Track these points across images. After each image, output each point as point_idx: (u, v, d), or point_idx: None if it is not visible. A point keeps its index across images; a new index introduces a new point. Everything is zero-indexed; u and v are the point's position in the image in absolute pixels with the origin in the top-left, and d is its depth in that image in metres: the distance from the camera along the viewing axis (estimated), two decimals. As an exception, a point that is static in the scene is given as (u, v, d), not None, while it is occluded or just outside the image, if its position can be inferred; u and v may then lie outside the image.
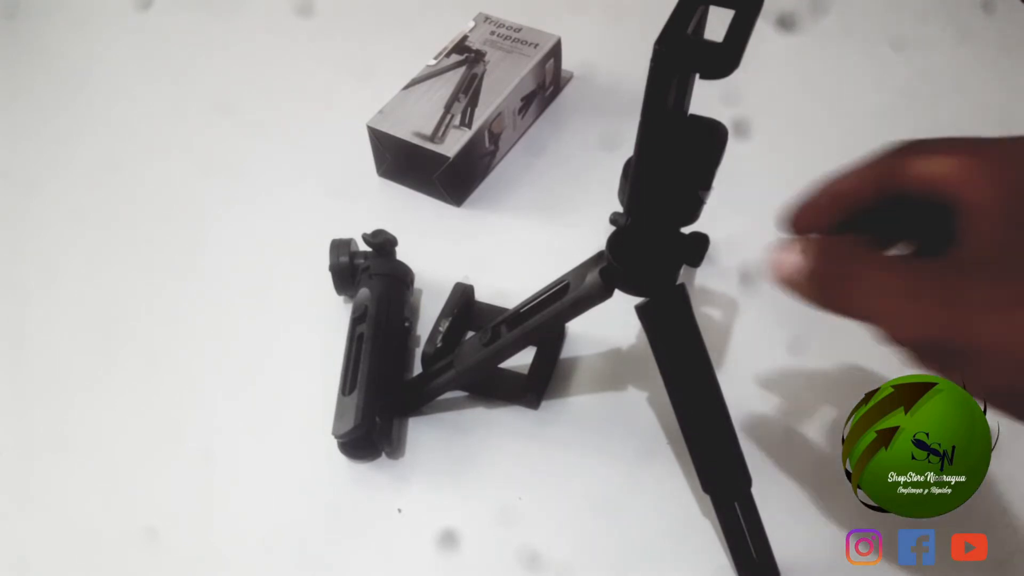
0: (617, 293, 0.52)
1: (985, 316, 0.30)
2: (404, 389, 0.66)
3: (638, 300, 0.52)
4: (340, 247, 0.69)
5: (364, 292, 0.66)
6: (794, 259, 0.34)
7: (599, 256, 0.53)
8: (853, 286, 0.32)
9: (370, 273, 0.67)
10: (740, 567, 0.55)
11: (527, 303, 0.58)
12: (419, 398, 0.65)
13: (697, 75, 0.39)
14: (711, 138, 0.45)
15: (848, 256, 0.33)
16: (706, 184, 0.45)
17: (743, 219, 0.71)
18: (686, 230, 0.49)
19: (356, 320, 0.66)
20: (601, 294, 0.52)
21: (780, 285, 0.34)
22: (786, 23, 0.91)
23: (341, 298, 0.72)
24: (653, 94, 0.39)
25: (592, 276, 0.52)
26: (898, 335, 0.31)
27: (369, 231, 0.69)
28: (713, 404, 0.53)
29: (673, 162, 0.43)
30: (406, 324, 0.70)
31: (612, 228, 0.51)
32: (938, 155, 0.34)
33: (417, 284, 0.73)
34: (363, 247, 0.70)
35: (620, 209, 0.49)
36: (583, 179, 0.81)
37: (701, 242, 0.68)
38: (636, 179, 0.45)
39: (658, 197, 0.45)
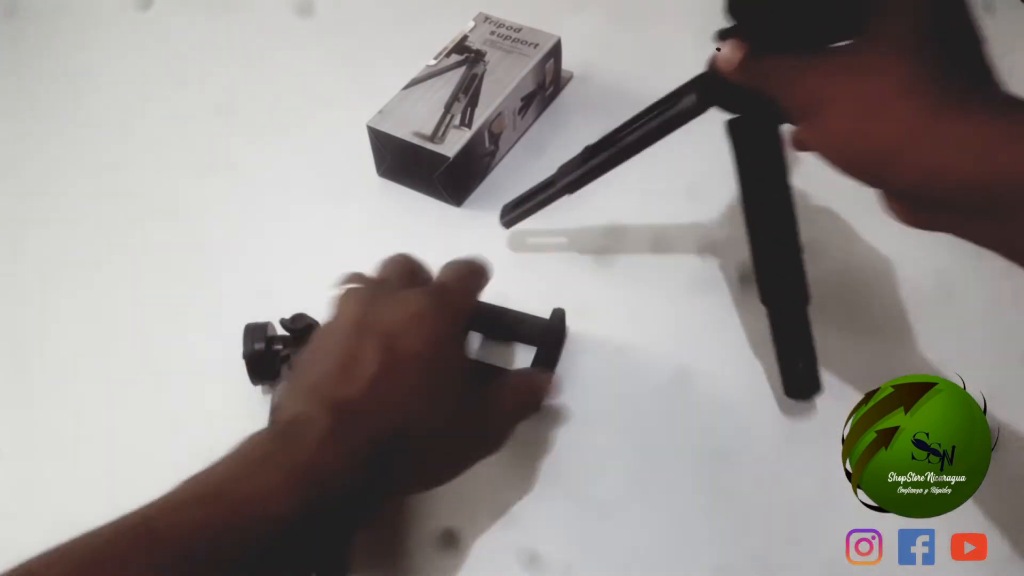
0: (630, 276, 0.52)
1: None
2: (508, 206, 0.69)
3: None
4: (255, 332, 0.61)
5: None
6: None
7: (695, 79, 0.55)
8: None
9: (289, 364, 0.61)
10: (785, 375, 0.58)
11: (621, 127, 0.61)
12: (521, 213, 0.69)
13: None
14: None
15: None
16: None
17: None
18: None
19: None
20: (695, 110, 0.54)
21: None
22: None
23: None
24: None
25: (688, 96, 0.54)
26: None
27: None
28: (787, 221, 0.55)
29: None
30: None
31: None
32: None
33: (417, 284, 0.73)
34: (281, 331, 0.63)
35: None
36: (583, 179, 0.81)
37: None
38: None
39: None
